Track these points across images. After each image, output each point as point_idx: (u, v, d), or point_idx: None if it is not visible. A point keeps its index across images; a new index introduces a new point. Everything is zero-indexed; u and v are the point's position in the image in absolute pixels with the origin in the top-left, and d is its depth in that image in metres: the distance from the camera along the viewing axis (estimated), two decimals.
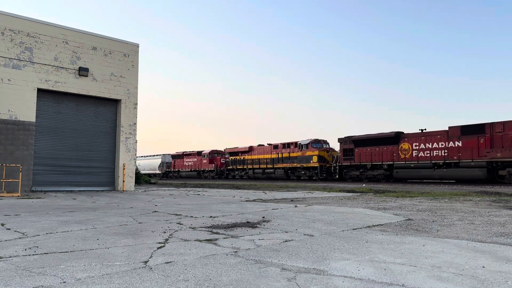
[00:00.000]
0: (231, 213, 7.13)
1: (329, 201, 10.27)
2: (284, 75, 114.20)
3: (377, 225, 5.56)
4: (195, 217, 6.40)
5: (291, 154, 36.72)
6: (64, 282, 2.69)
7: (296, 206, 8.48)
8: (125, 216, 6.54)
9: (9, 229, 5.07)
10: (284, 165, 37.19)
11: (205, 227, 5.26)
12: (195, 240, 4.27)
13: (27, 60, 14.59)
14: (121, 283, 2.67)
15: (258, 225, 5.47)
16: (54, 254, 3.55)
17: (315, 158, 34.24)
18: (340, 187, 19.21)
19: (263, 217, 6.39)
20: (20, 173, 12.92)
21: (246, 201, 10.25)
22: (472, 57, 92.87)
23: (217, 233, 4.80)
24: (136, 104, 17.24)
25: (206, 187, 20.11)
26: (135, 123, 17.14)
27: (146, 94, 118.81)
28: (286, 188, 18.35)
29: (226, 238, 4.45)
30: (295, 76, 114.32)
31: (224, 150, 47.90)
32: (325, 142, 35.56)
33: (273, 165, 38.53)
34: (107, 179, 16.59)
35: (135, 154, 17.51)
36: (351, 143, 31.10)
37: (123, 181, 16.45)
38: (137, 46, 17.60)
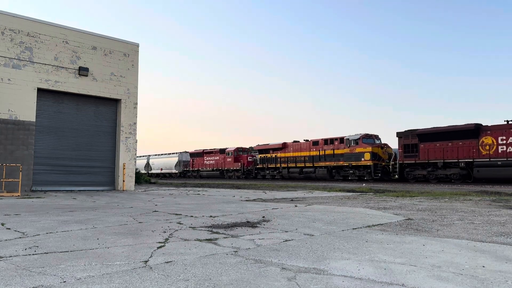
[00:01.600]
0: (231, 212, 7.13)
1: (329, 200, 10.27)
2: (284, 75, 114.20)
3: (377, 224, 5.56)
4: (195, 217, 6.40)
5: (336, 151, 32.20)
6: (64, 281, 2.69)
7: (296, 206, 8.48)
8: (125, 216, 6.55)
9: (9, 228, 5.08)
10: (327, 163, 32.75)
11: (205, 227, 5.26)
12: (195, 240, 4.27)
13: (27, 59, 14.59)
14: (121, 282, 2.67)
15: (258, 225, 5.47)
16: (54, 254, 3.55)
17: (367, 156, 29.68)
18: (340, 187, 19.22)
19: (263, 217, 6.39)
20: (20, 173, 12.92)
21: (246, 200, 10.25)
22: (472, 57, 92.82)
23: (217, 232, 4.80)
24: (136, 103, 17.23)
25: (206, 187, 20.12)
26: (135, 123, 17.14)
27: (146, 94, 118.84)
28: (286, 188, 18.36)
29: (226, 237, 4.45)
30: (295, 76, 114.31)
31: (249, 148, 44.61)
32: (377, 137, 31.15)
33: (313, 164, 33.99)
34: (107, 178, 16.58)
35: (135, 154, 17.51)
36: (414, 138, 26.68)
37: (123, 181, 16.45)
38: (137, 45, 17.60)
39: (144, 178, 28.22)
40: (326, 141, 33.47)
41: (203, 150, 48.78)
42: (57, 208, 8.02)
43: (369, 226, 5.38)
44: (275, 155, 38.10)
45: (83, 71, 15.67)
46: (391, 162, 28.73)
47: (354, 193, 13.89)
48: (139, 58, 17.60)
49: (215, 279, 2.76)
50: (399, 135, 27.88)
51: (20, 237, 4.42)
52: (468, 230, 5.06)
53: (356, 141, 30.77)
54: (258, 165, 40.52)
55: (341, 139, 32.11)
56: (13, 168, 13.55)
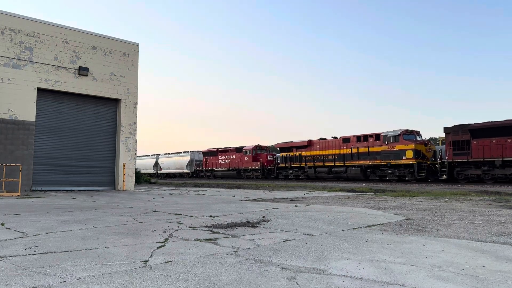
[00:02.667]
0: (231, 212, 7.13)
1: (329, 200, 10.27)
2: (285, 75, 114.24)
3: (377, 224, 5.56)
4: (195, 217, 6.39)
5: (371, 149, 29.38)
6: (64, 281, 2.69)
7: (296, 206, 8.48)
8: (125, 216, 6.54)
9: (9, 228, 5.07)
10: (361, 162, 29.98)
11: (205, 227, 5.26)
12: (195, 240, 4.27)
13: (27, 59, 14.58)
14: (121, 282, 2.67)
15: (258, 225, 5.47)
16: (54, 254, 3.55)
17: (409, 153, 26.78)
18: (340, 187, 19.21)
19: (263, 217, 6.39)
20: (20, 173, 12.91)
21: (246, 200, 10.25)
22: (472, 57, 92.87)
23: (217, 232, 4.80)
24: (136, 103, 17.23)
25: (206, 187, 20.11)
26: (135, 123, 17.13)
27: (146, 94, 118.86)
28: (286, 188, 18.35)
29: (226, 237, 4.45)
30: (295, 76, 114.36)
31: (265, 146, 42.41)
32: (418, 133, 28.38)
33: (344, 162, 31.29)
34: (107, 178, 16.58)
35: (135, 154, 17.50)
36: (465, 134, 24.17)
37: (123, 181, 16.44)
38: (137, 45, 17.59)
39: (144, 178, 28.21)
40: (359, 138, 30.58)
41: (218, 148, 46.50)
42: (57, 208, 8.02)
43: (369, 226, 5.38)
44: (299, 154, 35.34)
45: (83, 71, 15.67)
46: (438, 161, 25.63)
47: (354, 193, 13.88)
48: (139, 58, 17.60)
49: (215, 279, 2.76)
50: (447, 130, 25.21)
51: (20, 237, 4.42)
52: (468, 230, 5.06)
53: (396, 138, 27.89)
54: (279, 164, 37.94)
55: (377, 136, 29.41)
56: (13, 168, 13.54)
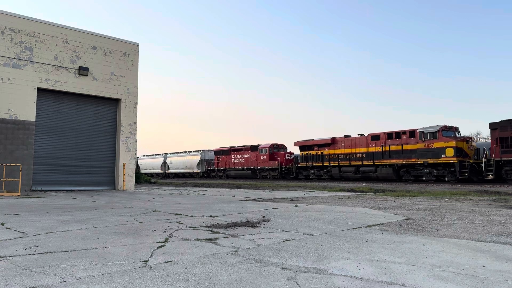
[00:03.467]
0: (231, 212, 7.13)
1: (329, 200, 10.27)
2: (285, 75, 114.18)
3: (377, 224, 5.56)
4: (195, 217, 6.40)
5: (405, 147, 26.98)
6: (64, 281, 2.69)
7: (296, 206, 8.48)
8: (125, 216, 6.54)
9: (9, 228, 5.08)
10: (393, 161, 27.58)
11: (205, 227, 5.26)
12: (195, 240, 4.27)
13: (27, 59, 14.58)
14: (121, 282, 2.67)
15: (258, 225, 5.47)
16: (54, 254, 3.55)
17: (449, 151, 24.33)
18: (340, 187, 19.21)
19: (263, 217, 6.39)
20: (20, 173, 12.92)
21: (246, 200, 10.25)
22: (472, 57, 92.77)
23: (217, 232, 4.80)
24: (136, 103, 17.23)
25: (206, 187, 20.12)
26: (135, 123, 17.14)
27: (146, 94, 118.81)
28: (286, 188, 18.35)
29: (226, 237, 4.45)
30: (296, 76, 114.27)
31: (282, 145, 40.06)
32: (457, 129, 25.93)
33: (373, 162, 28.86)
34: (107, 178, 16.59)
35: (135, 154, 17.51)
36: None
37: (123, 181, 16.45)
38: (137, 45, 17.59)
39: (144, 178, 28.21)
40: (390, 135, 28.17)
41: (230, 147, 44.30)
42: (57, 207, 8.02)
43: (369, 226, 5.38)
44: (322, 152, 32.90)
45: (83, 71, 15.67)
46: (483, 159, 23.50)
47: (354, 193, 13.89)
48: (139, 58, 17.60)
49: (215, 278, 2.76)
50: (493, 126, 22.88)
51: (20, 237, 4.42)
52: (468, 229, 5.06)
53: (434, 134, 25.37)
54: (299, 163, 35.40)
55: (411, 132, 26.95)
56: (13, 168, 13.55)
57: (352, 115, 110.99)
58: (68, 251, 3.65)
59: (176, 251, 3.68)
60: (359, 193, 13.66)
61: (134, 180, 17.13)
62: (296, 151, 37.88)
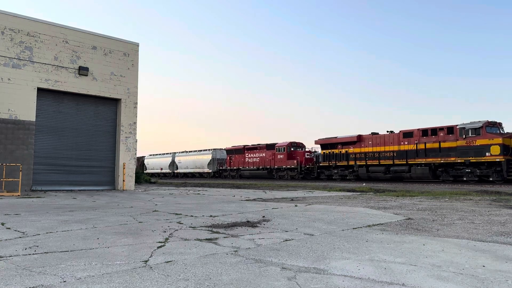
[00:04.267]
0: (231, 212, 7.13)
1: (329, 200, 10.27)
2: (284, 75, 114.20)
3: (377, 224, 5.56)
4: (195, 217, 6.40)
5: (443, 144, 24.74)
6: (64, 281, 2.69)
7: (296, 206, 8.48)
8: (125, 216, 6.54)
9: (9, 228, 5.08)
10: (430, 160, 25.21)
11: (205, 227, 5.26)
12: (195, 240, 4.27)
13: (27, 59, 14.58)
14: (121, 282, 2.67)
15: (258, 225, 5.47)
16: (54, 254, 3.55)
17: (495, 149, 22.19)
18: (340, 187, 19.21)
19: (263, 216, 6.39)
20: (20, 173, 12.92)
21: (246, 200, 10.25)
22: (472, 56, 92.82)
23: (217, 232, 4.80)
24: (136, 103, 17.23)
25: (206, 187, 20.12)
26: (135, 123, 17.14)
27: (146, 94, 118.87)
28: (286, 188, 18.36)
29: (226, 237, 4.45)
30: (296, 76, 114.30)
31: (301, 143, 37.83)
32: (501, 125, 23.86)
33: (406, 160, 26.56)
34: (107, 178, 16.59)
35: (135, 154, 17.51)
36: None
37: (123, 181, 16.45)
38: (137, 45, 17.59)
39: (144, 178, 28.21)
40: (425, 132, 25.94)
41: (244, 146, 42.18)
42: (57, 207, 8.02)
43: (369, 226, 5.38)
44: (346, 151, 30.80)
45: (83, 71, 15.67)
46: None
47: (354, 193, 13.89)
48: (139, 58, 17.61)
49: (215, 278, 2.76)
50: None
51: (20, 237, 4.42)
52: (468, 229, 5.06)
53: (477, 131, 23.36)
54: (321, 162, 32.93)
55: (450, 129, 24.82)
56: (13, 168, 13.55)
57: (353, 115, 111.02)
58: (68, 251, 3.65)
59: (176, 251, 3.68)
60: (359, 193, 13.66)
61: (134, 180, 17.13)
62: (314, 149, 35.96)
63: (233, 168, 42.76)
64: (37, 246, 3.86)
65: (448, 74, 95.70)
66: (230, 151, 43.94)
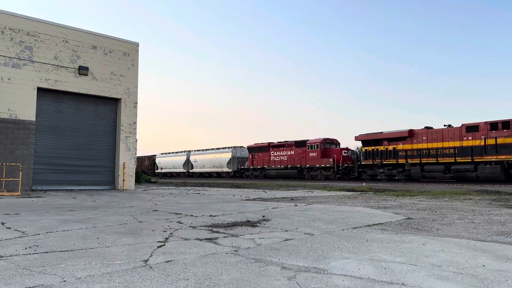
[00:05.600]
0: (231, 212, 7.13)
1: (329, 200, 10.27)
2: (284, 74, 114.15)
3: (377, 224, 5.56)
4: (195, 216, 6.40)
5: None
6: (64, 281, 2.69)
7: (296, 205, 8.48)
8: (125, 215, 6.55)
9: (9, 228, 5.08)
10: (502, 157, 22.07)
11: (205, 226, 5.26)
12: (195, 239, 4.27)
13: (27, 59, 14.58)
14: (121, 282, 2.67)
15: (258, 224, 5.47)
16: (54, 253, 3.55)
17: None
18: (340, 186, 19.21)
19: (263, 216, 6.39)
20: (20, 172, 12.92)
21: (246, 200, 10.25)
22: (472, 56, 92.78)
23: (217, 232, 4.80)
24: (136, 103, 17.23)
25: (206, 186, 20.12)
26: (135, 122, 17.14)
27: (146, 93, 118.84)
28: (286, 187, 18.36)
29: (226, 237, 4.45)
30: (295, 76, 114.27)
31: (336, 140, 34.66)
32: None
33: (471, 158, 23.33)
34: (107, 178, 16.59)
35: (135, 153, 17.51)
36: None
37: (123, 180, 16.45)
38: (137, 45, 17.59)
39: (144, 178, 28.22)
40: (495, 125, 22.72)
41: (269, 143, 38.97)
42: (57, 207, 8.02)
43: (369, 225, 5.38)
44: (394, 147, 27.60)
45: (83, 71, 15.67)
46: None
47: (354, 193, 13.89)
48: (139, 57, 17.60)
49: (215, 278, 2.76)
50: None
51: (20, 237, 4.42)
52: (468, 229, 5.06)
53: None
54: (363, 161, 29.80)
55: None
56: (13, 168, 13.55)
57: (352, 115, 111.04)
58: (68, 251, 3.65)
59: (176, 250, 3.68)
60: (359, 193, 13.66)
61: (134, 179, 17.14)
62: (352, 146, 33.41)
63: (257, 167, 39.51)
64: (37, 246, 3.86)
65: (448, 74, 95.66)
66: (252, 149, 40.89)
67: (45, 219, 6.00)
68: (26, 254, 3.50)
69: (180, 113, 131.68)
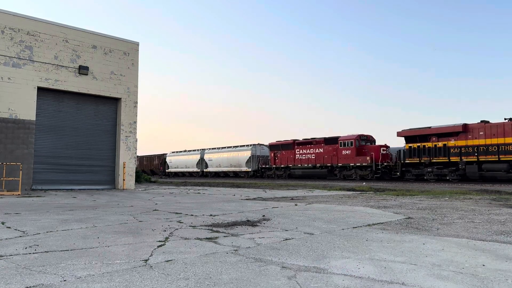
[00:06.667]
0: (231, 211, 7.13)
1: (329, 199, 10.27)
2: (284, 74, 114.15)
3: (377, 223, 5.56)
4: (196, 216, 6.40)
5: None
6: (64, 280, 2.69)
7: (296, 205, 8.48)
8: (125, 215, 6.55)
9: (9, 227, 5.08)
10: None
11: (206, 226, 5.26)
12: (195, 239, 4.27)
13: (27, 58, 14.58)
14: (121, 281, 2.67)
15: (258, 224, 5.47)
16: (55, 253, 3.55)
17: None
18: (340, 186, 19.21)
19: (263, 216, 6.39)
20: (20, 172, 12.92)
21: (246, 199, 10.25)
22: (472, 56, 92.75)
23: (217, 231, 4.80)
24: (136, 102, 17.23)
25: (206, 186, 20.13)
26: (135, 122, 17.14)
27: (146, 93, 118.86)
28: (286, 187, 18.36)
29: (226, 236, 4.45)
30: (295, 76, 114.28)
31: (371, 137, 31.84)
32: None
33: None
34: (107, 177, 16.59)
35: (135, 153, 17.51)
36: None
37: (123, 180, 16.45)
38: (137, 44, 17.58)
39: (144, 177, 28.23)
40: None
41: (294, 140, 36.38)
42: (57, 207, 8.03)
43: (369, 225, 5.38)
44: (445, 144, 24.96)
45: (83, 70, 15.67)
46: None
47: (354, 192, 13.89)
48: (139, 57, 17.60)
49: (215, 277, 2.76)
50: None
51: (20, 236, 4.42)
52: (468, 229, 5.06)
53: None
54: (406, 159, 27.09)
55: None
56: (13, 167, 13.55)
57: (352, 115, 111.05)
58: (68, 250, 3.66)
59: (176, 250, 3.68)
60: (359, 192, 13.66)
61: (134, 179, 17.15)
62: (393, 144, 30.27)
63: (280, 166, 36.97)
64: (37, 245, 3.87)
65: (449, 74, 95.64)
66: (274, 147, 38.17)
67: (45, 218, 6.00)
68: (26, 254, 3.50)
69: (180, 112, 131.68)
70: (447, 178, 24.96)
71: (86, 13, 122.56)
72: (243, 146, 43.02)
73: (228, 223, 5.56)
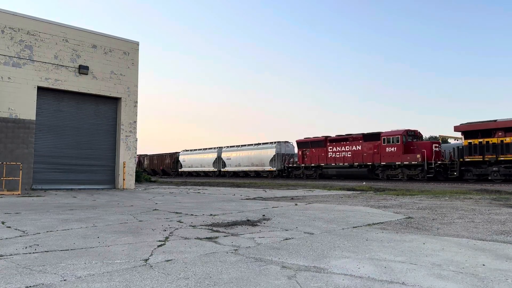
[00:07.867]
0: (231, 211, 7.13)
1: (330, 199, 10.27)
2: (284, 74, 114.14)
3: (378, 223, 5.56)
4: (196, 215, 6.40)
5: None
6: (64, 280, 2.69)
7: (296, 204, 8.48)
8: (126, 214, 6.55)
9: (9, 227, 5.08)
10: None
11: (206, 225, 5.26)
12: (195, 238, 4.27)
13: (27, 58, 14.58)
14: (121, 281, 2.67)
15: (258, 223, 5.47)
16: (55, 252, 3.55)
17: None
18: (340, 185, 19.21)
19: (264, 215, 6.39)
20: (21, 171, 12.92)
21: (247, 199, 10.25)
22: (473, 56, 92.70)
23: (217, 231, 4.80)
24: (136, 102, 17.23)
25: (206, 185, 20.12)
26: (135, 121, 17.13)
27: (146, 93, 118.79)
28: (287, 187, 18.35)
29: (226, 236, 4.45)
30: (295, 75, 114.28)
31: (419, 133, 28.75)
32: None
33: None
34: (107, 177, 16.59)
35: (135, 152, 17.51)
36: None
37: (123, 179, 16.45)
38: (137, 44, 17.58)
39: (144, 177, 28.21)
40: None
41: (326, 137, 33.20)
42: (57, 206, 8.03)
43: (369, 225, 5.38)
44: None
45: (83, 70, 15.66)
46: None
47: (354, 192, 13.88)
48: (139, 57, 17.59)
49: (215, 277, 2.76)
50: None
51: (20, 236, 4.42)
52: (468, 228, 5.06)
53: None
54: (464, 156, 23.76)
55: None
56: (13, 167, 13.55)
57: (352, 115, 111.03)
58: (68, 250, 3.66)
59: (176, 249, 3.68)
60: (359, 192, 13.66)
61: (134, 179, 17.14)
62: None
63: (309, 165, 33.83)
64: (38, 245, 3.87)
65: (449, 74, 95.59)
66: (303, 144, 35.00)
67: (45, 218, 6.00)
68: (27, 253, 3.50)
69: (180, 112, 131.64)
70: None
71: (86, 13, 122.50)
72: (266, 143, 40.05)
73: (228, 222, 5.56)
